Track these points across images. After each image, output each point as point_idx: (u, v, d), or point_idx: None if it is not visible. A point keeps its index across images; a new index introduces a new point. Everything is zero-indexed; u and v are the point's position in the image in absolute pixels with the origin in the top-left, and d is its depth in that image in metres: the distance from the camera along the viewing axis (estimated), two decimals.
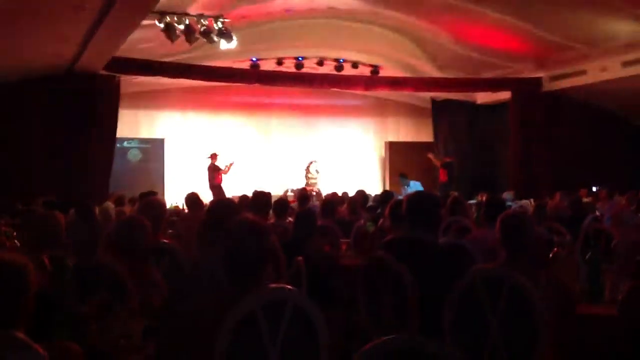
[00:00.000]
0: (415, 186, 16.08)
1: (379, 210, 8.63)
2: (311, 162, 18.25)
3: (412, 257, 3.78)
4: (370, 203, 10.35)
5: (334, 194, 11.07)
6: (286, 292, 2.77)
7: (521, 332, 3.12)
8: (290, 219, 6.90)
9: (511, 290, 3.13)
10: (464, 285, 3.26)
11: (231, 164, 16.33)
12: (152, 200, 5.22)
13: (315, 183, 18.01)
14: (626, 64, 13.63)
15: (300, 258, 4.32)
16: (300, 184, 17.28)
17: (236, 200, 7.67)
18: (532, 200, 13.72)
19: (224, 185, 16.17)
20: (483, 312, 3.19)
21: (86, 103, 13.83)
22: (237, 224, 2.84)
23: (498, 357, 3.13)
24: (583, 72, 14.94)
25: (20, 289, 2.37)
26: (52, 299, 3.13)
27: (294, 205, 9.53)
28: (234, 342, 2.56)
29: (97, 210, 9.25)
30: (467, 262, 3.76)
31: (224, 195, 15.20)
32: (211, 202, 4.53)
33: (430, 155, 17.92)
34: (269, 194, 6.91)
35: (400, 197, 8.46)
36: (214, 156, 16.47)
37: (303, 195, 9.78)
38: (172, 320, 2.96)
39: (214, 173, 16.27)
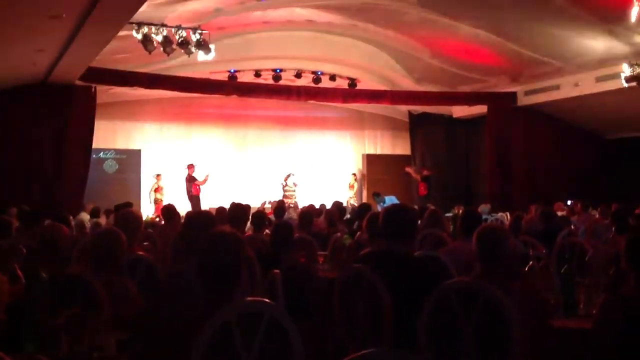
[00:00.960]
0: (390, 201, 16.14)
1: (356, 223, 8.65)
2: (289, 175, 18.23)
3: (387, 270, 3.78)
4: (347, 215, 10.38)
5: (311, 207, 11.06)
6: (262, 304, 2.76)
7: (495, 344, 3.13)
8: (267, 231, 6.89)
9: (485, 302, 3.14)
10: (438, 297, 3.27)
11: (206, 177, 16.33)
12: (128, 212, 5.17)
13: (293, 195, 17.99)
14: (599, 79, 13.84)
15: (276, 271, 4.30)
16: (278, 196, 17.25)
17: (213, 212, 7.64)
18: (507, 213, 13.85)
19: (201, 196, 16.13)
20: (457, 324, 3.19)
21: (62, 113, 13.74)
22: (212, 236, 2.82)
23: None
24: (557, 87, 15.15)
25: None
26: (24, 310, 3.09)
27: (272, 217, 9.52)
28: (210, 354, 2.54)
29: (72, 221, 9.15)
30: (442, 275, 3.77)
31: (200, 207, 15.19)
32: (187, 214, 4.49)
33: (409, 169, 17.99)
34: (247, 206, 6.89)
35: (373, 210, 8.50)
36: (190, 167, 16.44)
37: (280, 207, 9.76)
38: (147, 333, 2.94)
39: (191, 184, 16.23)
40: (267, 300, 2.83)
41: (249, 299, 2.77)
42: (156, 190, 16.80)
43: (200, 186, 16.28)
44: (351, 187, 19.18)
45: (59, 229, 4.42)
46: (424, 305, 3.31)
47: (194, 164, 16.64)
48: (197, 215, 4.32)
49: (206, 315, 2.56)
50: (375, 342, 3.66)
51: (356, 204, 15.25)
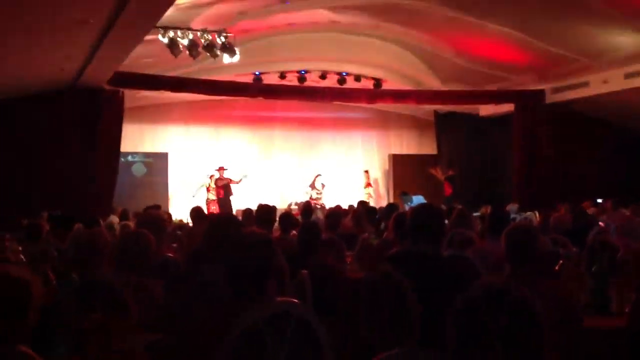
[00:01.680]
0: (418, 201, 16.08)
1: (383, 223, 8.62)
2: (317, 176, 18.24)
3: (415, 270, 3.76)
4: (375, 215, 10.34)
5: (338, 207, 11.05)
6: (291, 305, 2.76)
7: (525, 346, 3.09)
8: (294, 232, 6.89)
9: (515, 303, 3.10)
10: (467, 298, 3.23)
11: (241, 179, 16.54)
12: (151, 213, 5.21)
13: (321, 197, 18.00)
14: (628, 75, 13.64)
15: (304, 271, 4.30)
16: (305, 197, 17.27)
17: (240, 214, 7.68)
18: (536, 212, 13.71)
19: (232, 198, 16.32)
20: (486, 325, 3.16)
21: (90, 118, 13.91)
22: (242, 237, 2.83)
23: None
24: (586, 84, 14.95)
25: (25, 305, 2.36)
26: (54, 313, 3.13)
27: (298, 218, 9.53)
28: (238, 356, 2.54)
29: (102, 224, 9.25)
30: (471, 275, 3.74)
31: (230, 209, 15.32)
32: (213, 217, 4.51)
33: (433, 170, 17.88)
34: (274, 207, 6.91)
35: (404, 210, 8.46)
36: (221, 169, 16.61)
37: (307, 208, 9.76)
38: (175, 335, 2.95)
39: (219, 186, 16.43)
40: (295, 300, 2.83)
41: (278, 299, 2.77)
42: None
43: (233, 186, 16.52)
44: (368, 185, 18.99)
45: (98, 235, 4.41)
46: (452, 306, 3.28)
47: (224, 167, 16.81)
48: (223, 217, 4.33)
49: (235, 317, 2.57)
50: (402, 343, 3.63)
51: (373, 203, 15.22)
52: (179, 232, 8.01)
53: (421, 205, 4.19)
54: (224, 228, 3.82)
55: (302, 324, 2.69)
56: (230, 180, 16.77)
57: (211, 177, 17.12)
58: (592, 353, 3.43)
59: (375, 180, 19.86)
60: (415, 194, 16.61)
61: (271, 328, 2.62)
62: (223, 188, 16.64)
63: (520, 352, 3.15)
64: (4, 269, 2.41)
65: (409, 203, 15.96)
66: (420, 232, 3.86)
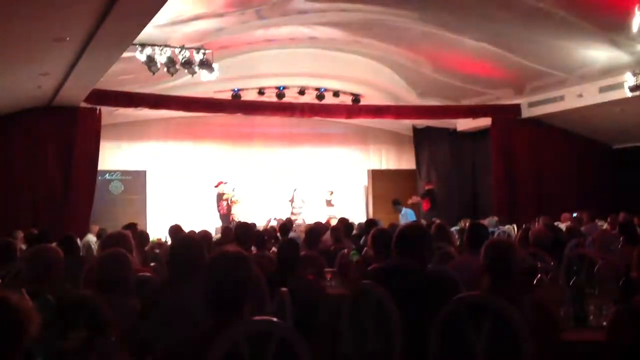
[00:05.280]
0: (407, 212, 16.21)
1: (363, 239, 8.63)
2: (295, 190, 18.21)
3: (396, 285, 3.77)
4: (354, 231, 10.36)
5: (318, 224, 11.04)
6: (271, 324, 2.74)
7: (506, 358, 3.11)
8: (274, 249, 6.87)
9: (495, 316, 3.12)
10: (448, 312, 3.25)
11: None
12: (112, 235, 5.18)
13: (301, 212, 17.97)
14: (603, 89, 13.82)
15: (284, 289, 4.29)
16: (286, 213, 17.23)
17: (218, 231, 7.66)
18: (514, 225, 13.82)
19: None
20: (468, 338, 3.17)
21: (67, 135, 13.81)
22: (217, 256, 2.81)
23: None
24: (561, 98, 15.13)
25: (21, 333, 2.33)
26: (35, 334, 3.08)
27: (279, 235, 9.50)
28: None
29: (79, 243, 9.16)
30: (452, 289, 3.75)
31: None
32: (173, 241, 4.50)
33: (412, 200, 17.80)
34: (253, 224, 6.90)
35: (380, 225, 8.48)
36: (219, 184, 16.63)
37: (285, 225, 9.75)
38: (156, 354, 2.92)
39: (220, 201, 16.45)
40: (274, 319, 2.82)
41: (257, 318, 2.76)
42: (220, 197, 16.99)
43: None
44: (328, 203, 18.89)
45: (50, 251, 4.40)
46: (434, 320, 3.29)
47: (223, 181, 16.81)
48: (182, 239, 4.31)
49: (214, 336, 2.55)
50: (386, 358, 3.63)
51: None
52: (157, 251, 7.95)
53: (410, 224, 4.22)
54: (184, 249, 3.79)
55: (284, 343, 2.68)
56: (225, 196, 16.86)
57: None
58: None
59: (355, 196, 19.84)
60: (393, 210, 16.70)
61: (252, 348, 2.60)
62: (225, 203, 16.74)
63: None
64: (3, 296, 2.37)
65: (401, 211, 16.10)
66: (406, 248, 3.88)
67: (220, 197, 16.87)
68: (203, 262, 3.22)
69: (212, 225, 15.65)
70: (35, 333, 2.36)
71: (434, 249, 6.02)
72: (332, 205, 18.66)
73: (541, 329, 3.28)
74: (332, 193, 18.78)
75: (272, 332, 2.67)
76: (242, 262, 2.78)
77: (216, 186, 16.97)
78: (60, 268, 4.26)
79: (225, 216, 16.47)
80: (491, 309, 3.14)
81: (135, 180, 17.26)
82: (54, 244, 7.41)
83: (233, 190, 17.07)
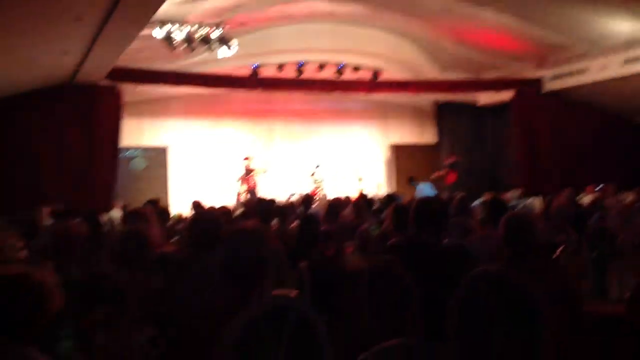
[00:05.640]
0: (425, 187, 16.11)
1: (383, 214, 8.62)
2: (317, 167, 18.24)
3: (415, 260, 3.77)
4: (375, 206, 10.35)
5: (338, 199, 11.04)
6: (288, 299, 2.75)
7: (525, 332, 3.10)
8: (295, 224, 6.88)
9: (514, 290, 3.10)
10: (465, 287, 3.23)
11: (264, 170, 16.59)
12: (134, 210, 5.22)
13: (321, 187, 18.00)
14: (627, 61, 13.61)
15: (303, 264, 4.31)
16: (307, 189, 17.25)
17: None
18: (538, 199, 13.71)
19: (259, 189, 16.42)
20: (485, 313, 3.16)
21: (89, 113, 13.90)
22: (235, 231, 2.83)
23: (502, 358, 3.11)
24: (584, 71, 14.92)
25: (41, 308, 2.37)
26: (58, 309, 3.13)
27: (300, 210, 9.52)
28: (237, 349, 2.54)
29: (103, 219, 9.26)
30: (470, 263, 3.74)
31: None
32: (192, 216, 4.51)
33: (435, 175, 17.72)
34: (272, 200, 6.92)
35: (400, 200, 8.47)
36: (247, 159, 16.68)
37: (306, 200, 9.76)
38: (175, 330, 2.96)
39: (247, 176, 16.49)
40: (292, 294, 2.83)
41: (275, 293, 2.77)
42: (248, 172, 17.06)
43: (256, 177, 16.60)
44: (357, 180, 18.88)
45: (73, 227, 4.48)
46: (451, 294, 3.28)
47: (250, 156, 16.86)
48: (200, 215, 4.33)
49: (233, 310, 2.57)
50: (404, 334, 3.64)
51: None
52: (178, 226, 8.01)
53: (426, 199, 4.20)
54: (203, 224, 3.81)
55: (301, 319, 2.69)
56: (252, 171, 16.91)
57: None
58: (591, 338, 3.43)
59: (375, 171, 19.79)
60: (424, 181, 16.61)
61: (269, 323, 2.62)
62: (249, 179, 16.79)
63: (520, 339, 3.16)
64: (25, 272, 2.41)
65: (417, 187, 16.00)
66: (424, 223, 3.87)
67: (249, 171, 16.89)
68: (221, 237, 3.24)
69: (233, 201, 15.77)
70: (57, 307, 2.40)
71: (452, 223, 6.04)
72: (361, 180, 18.71)
73: (561, 302, 3.27)
74: (360, 180, 18.78)
75: (289, 308, 2.67)
76: (259, 237, 2.80)
77: (245, 159, 16.96)
78: (83, 243, 4.33)
79: (253, 191, 16.48)
80: (509, 283, 3.12)
81: (157, 157, 17.39)
82: (78, 220, 7.54)
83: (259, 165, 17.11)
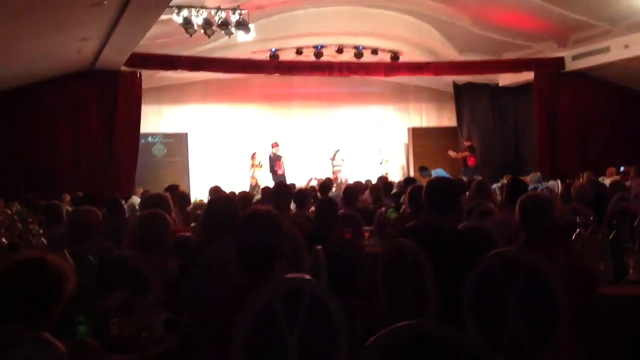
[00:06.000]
0: (437, 174, 15.99)
1: (402, 197, 8.60)
2: (337, 151, 18.22)
3: (431, 243, 3.76)
4: (394, 190, 10.33)
5: (357, 183, 11.04)
6: (303, 281, 2.77)
7: (541, 314, 3.09)
8: (313, 208, 6.90)
9: (529, 272, 3.10)
10: (481, 269, 3.23)
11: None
12: (152, 195, 5.27)
13: (341, 171, 18.00)
14: None
15: (319, 247, 4.32)
16: (326, 173, 17.23)
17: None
18: (558, 181, 13.60)
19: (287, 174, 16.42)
20: (501, 295, 3.15)
21: (109, 99, 14.03)
22: (247, 216, 2.85)
23: (518, 340, 3.11)
24: (606, 50, 14.70)
25: (57, 294, 2.40)
26: (75, 294, 3.17)
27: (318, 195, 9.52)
28: (252, 332, 2.57)
29: (124, 205, 9.34)
30: (488, 245, 3.73)
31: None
32: (208, 202, 4.55)
33: (451, 153, 17.64)
34: (292, 184, 6.93)
35: (419, 183, 8.44)
36: (275, 145, 16.70)
37: (325, 184, 9.77)
38: (191, 313, 2.99)
39: (275, 162, 16.51)
40: (308, 276, 2.84)
41: (290, 275, 2.79)
42: (254, 167, 17.12)
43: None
44: (383, 162, 18.85)
45: (88, 213, 4.54)
46: (467, 276, 3.28)
47: (278, 142, 16.88)
48: (216, 200, 4.36)
49: (247, 294, 2.59)
50: (420, 316, 3.65)
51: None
52: (198, 212, 8.05)
53: (437, 179, 4.18)
54: (219, 209, 3.84)
55: (316, 301, 2.71)
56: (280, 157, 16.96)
57: (253, 155, 17.21)
58: (608, 320, 3.41)
59: (395, 155, 19.72)
60: (436, 167, 16.48)
61: (285, 305, 2.64)
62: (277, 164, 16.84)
63: (536, 319, 3.16)
64: (40, 257, 2.44)
65: (428, 178, 15.84)
66: (436, 205, 3.86)
67: (278, 157, 16.91)
68: (237, 222, 3.26)
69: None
70: (71, 292, 2.43)
71: (471, 206, 6.02)
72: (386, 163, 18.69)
73: (577, 284, 3.25)
74: (386, 162, 18.76)
75: (305, 290, 2.69)
76: (271, 220, 2.82)
77: (273, 146, 16.98)
78: (99, 229, 4.38)
79: (282, 176, 16.48)
80: (524, 264, 3.11)
81: (177, 143, 17.45)
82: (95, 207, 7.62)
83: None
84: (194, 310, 2.99)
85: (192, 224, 6.45)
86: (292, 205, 6.90)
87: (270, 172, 16.77)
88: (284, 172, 16.73)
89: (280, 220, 2.87)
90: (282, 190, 6.23)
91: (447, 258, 3.67)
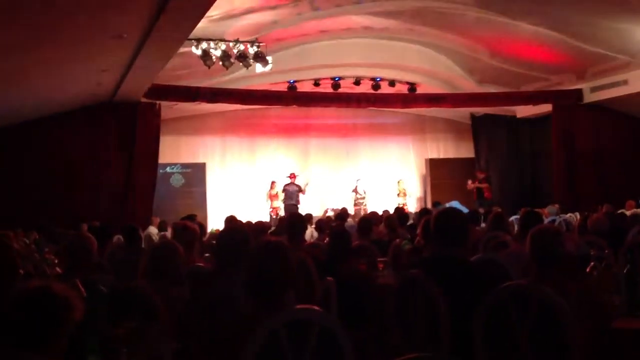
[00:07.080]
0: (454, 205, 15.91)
1: (417, 229, 8.57)
2: (358, 180, 18.22)
3: (444, 275, 3.74)
4: (410, 221, 10.30)
5: (373, 213, 11.02)
6: (311, 312, 2.77)
7: (552, 347, 3.06)
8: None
9: (540, 305, 3.07)
10: (492, 302, 3.21)
11: (306, 184, 16.63)
12: (183, 224, 5.30)
13: (364, 202, 17.97)
14: None
15: (330, 278, 4.31)
16: (347, 204, 17.17)
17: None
18: (577, 213, 13.48)
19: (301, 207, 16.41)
20: (512, 327, 3.13)
21: (128, 130, 14.18)
22: (257, 246, 2.86)
23: None
24: (624, 82, 14.66)
25: (64, 321, 2.42)
26: (84, 323, 3.19)
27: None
28: None
29: (141, 235, 9.39)
30: (500, 278, 3.70)
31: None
32: (220, 232, 4.58)
33: (470, 183, 17.58)
34: (308, 215, 6.94)
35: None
36: (292, 176, 16.75)
37: (341, 215, 9.77)
38: (200, 342, 2.99)
39: (293, 193, 16.56)
40: (317, 308, 2.84)
41: (298, 306, 2.79)
42: (271, 197, 17.17)
43: (302, 195, 16.66)
44: (401, 194, 18.80)
45: (85, 239, 4.59)
46: (478, 309, 3.25)
47: (296, 174, 16.94)
48: (228, 230, 4.38)
49: (254, 324, 2.59)
50: (433, 349, 3.62)
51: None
52: (214, 242, 8.08)
53: (443, 211, 4.17)
54: (230, 239, 3.85)
55: (325, 332, 2.70)
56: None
57: (272, 183, 17.27)
58: (621, 355, 3.36)
59: (412, 186, 19.69)
60: (453, 198, 16.42)
61: (293, 335, 2.64)
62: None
63: (546, 351, 3.13)
64: (46, 285, 2.47)
65: None
66: (443, 236, 3.84)
67: (295, 188, 16.93)
68: (247, 252, 3.28)
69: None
70: (78, 320, 2.45)
71: (488, 238, 5.99)
72: (404, 195, 18.66)
73: (590, 317, 3.21)
74: (399, 182, 18.75)
75: (313, 321, 2.69)
76: (280, 251, 2.83)
77: (290, 177, 17.03)
78: (89, 255, 4.42)
79: (295, 206, 16.47)
80: (535, 297, 3.08)
81: (195, 173, 17.57)
82: (116, 236, 7.66)
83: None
84: (202, 340, 2.99)
85: (206, 255, 6.47)
86: (315, 234, 6.93)
87: (283, 202, 16.80)
88: (298, 201, 16.74)
89: (290, 252, 2.88)
90: (295, 220, 6.24)
91: (459, 290, 3.64)
